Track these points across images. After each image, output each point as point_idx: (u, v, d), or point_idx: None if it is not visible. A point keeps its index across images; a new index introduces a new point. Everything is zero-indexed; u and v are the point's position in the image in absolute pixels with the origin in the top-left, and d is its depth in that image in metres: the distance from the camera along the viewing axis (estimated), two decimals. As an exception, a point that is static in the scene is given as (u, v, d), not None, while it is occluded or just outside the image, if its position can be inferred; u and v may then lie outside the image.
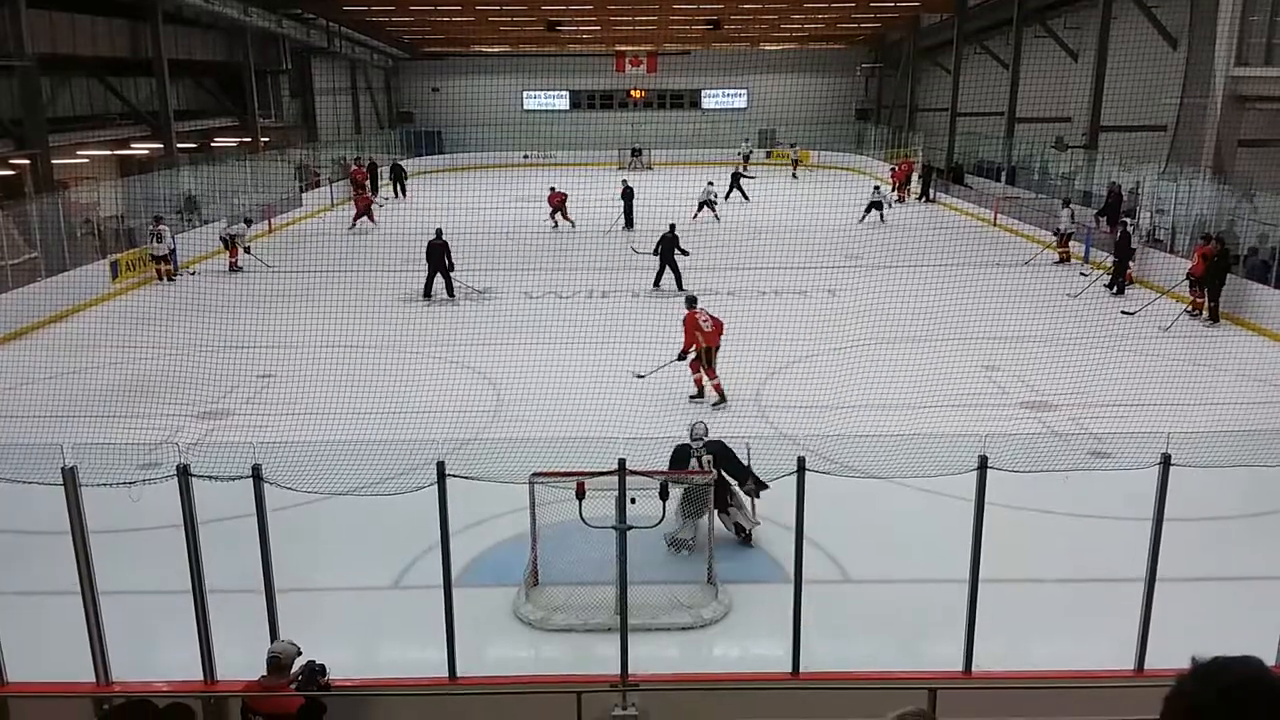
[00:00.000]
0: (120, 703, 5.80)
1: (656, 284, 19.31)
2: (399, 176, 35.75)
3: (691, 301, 13.15)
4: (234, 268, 21.98)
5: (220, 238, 22.70)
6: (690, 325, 12.58)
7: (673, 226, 19.63)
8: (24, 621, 6.85)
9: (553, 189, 26.92)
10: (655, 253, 19.46)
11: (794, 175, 40.52)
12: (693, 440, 8.54)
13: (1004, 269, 20.89)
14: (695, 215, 26.80)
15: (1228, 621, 7.20)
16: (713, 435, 8.68)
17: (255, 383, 13.64)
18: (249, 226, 23.29)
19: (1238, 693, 1.55)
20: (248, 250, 22.20)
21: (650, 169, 41.43)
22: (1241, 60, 19.26)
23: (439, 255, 18.74)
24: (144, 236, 21.40)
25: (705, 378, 12.71)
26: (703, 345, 12.52)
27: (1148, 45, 23.53)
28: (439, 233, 18.85)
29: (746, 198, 31.88)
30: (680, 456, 8.54)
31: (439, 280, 18.89)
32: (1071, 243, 21.95)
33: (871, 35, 45.01)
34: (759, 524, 8.64)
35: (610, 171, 38.27)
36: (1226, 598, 7.88)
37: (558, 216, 26.75)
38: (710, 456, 8.42)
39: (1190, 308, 16.72)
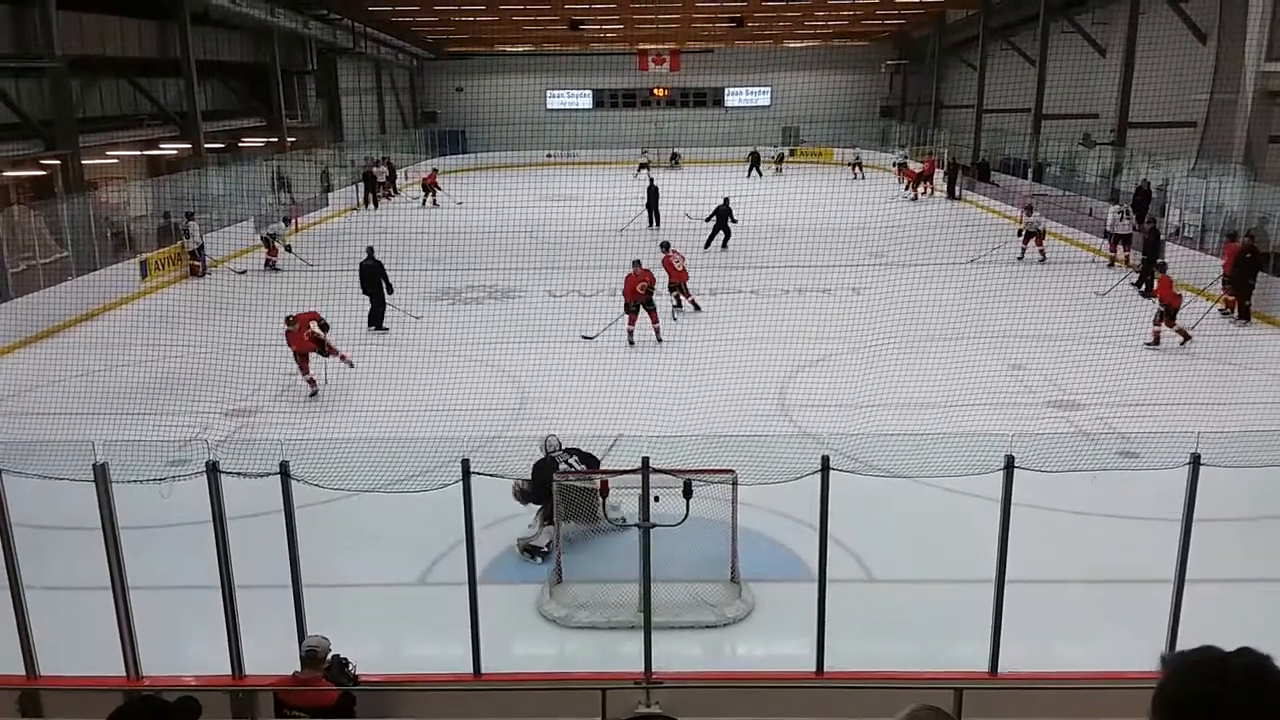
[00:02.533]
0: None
1: (707, 245, 22.51)
2: (371, 185, 32.67)
3: (665, 246, 17.34)
4: (272, 266, 22.05)
5: (261, 237, 22.78)
6: (668, 267, 16.93)
7: (726, 200, 22.97)
8: (56, 616, 6.94)
9: (639, 267, 15.70)
10: (708, 220, 22.94)
11: (778, 171, 40.90)
12: (550, 452, 8.64)
13: (1030, 267, 20.74)
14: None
15: (1258, 623, 7.12)
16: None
17: (282, 380, 13.74)
18: (287, 225, 23.35)
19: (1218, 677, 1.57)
20: (288, 249, 22.23)
21: (679, 169, 41.44)
22: (1272, 55, 19.02)
23: (375, 279, 16.40)
24: (175, 235, 21.72)
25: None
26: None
27: (1177, 40, 23.27)
28: (370, 252, 16.72)
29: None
30: (547, 470, 8.43)
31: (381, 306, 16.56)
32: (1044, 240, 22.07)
33: (896, 32, 44.76)
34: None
35: (634, 171, 38.22)
36: (1257, 599, 7.79)
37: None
38: (574, 460, 8.59)
39: (1223, 306, 16.51)
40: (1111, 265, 20.83)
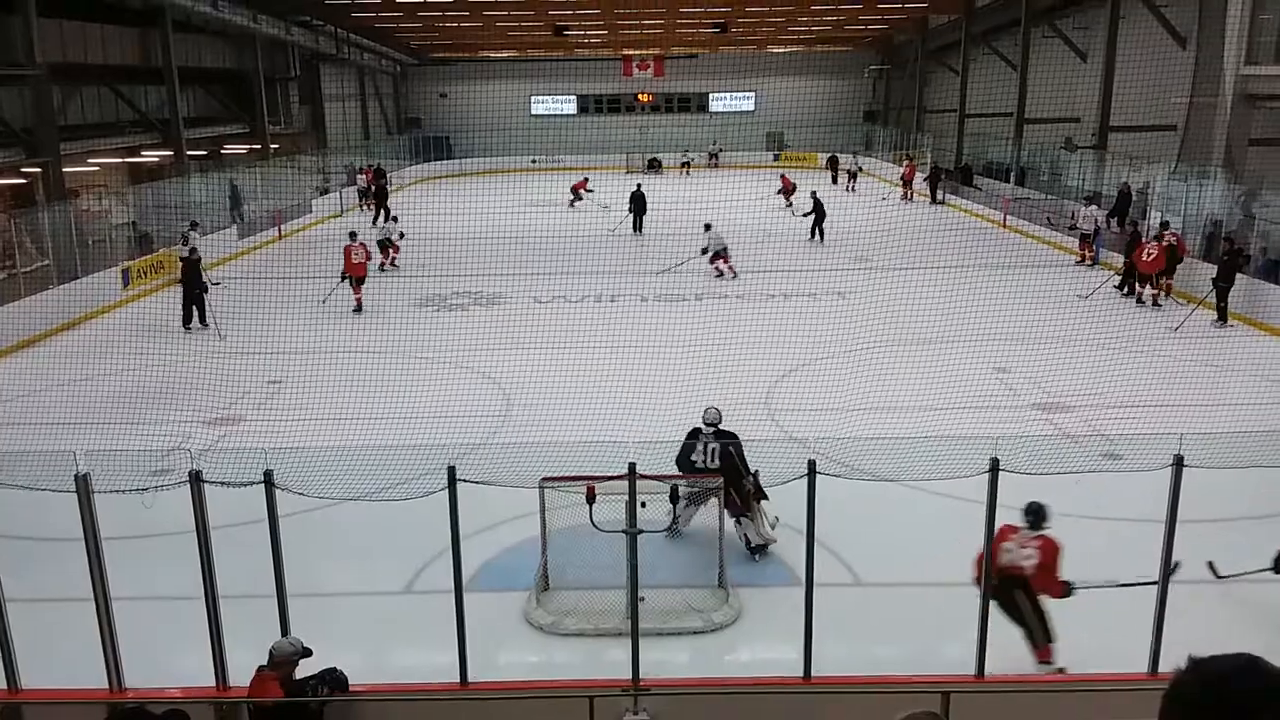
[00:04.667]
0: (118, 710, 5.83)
1: (811, 237, 25.08)
2: (382, 199, 29.93)
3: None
4: (383, 268, 21.64)
5: (376, 241, 22.42)
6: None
7: (814, 193, 25.55)
8: (37, 628, 6.86)
9: (355, 239, 18.78)
10: (806, 215, 25.35)
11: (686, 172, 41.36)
12: (706, 425, 8.60)
13: (1013, 270, 20.84)
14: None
15: (1242, 624, 7.17)
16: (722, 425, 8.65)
17: (266, 388, 13.67)
18: (397, 224, 22.93)
19: (1231, 680, 1.58)
20: (397, 249, 21.92)
21: (660, 173, 41.57)
22: (1251, 59, 19.19)
23: (195, 275, 17.14)
24: (153, 244, 21.54)
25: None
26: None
27: (1157, 45, 23.46)
28: (192, 250, 17.64)
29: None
30: (690, 439, 8.65)
31: (203, 305, 17.15)
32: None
33: (879, 37, 44.98)
34: (774, 540, 8.55)
35: (621, 176, 38.30)
36: (1241, 600, 7.83)
37: None
38: (715, 447, 8.47)
39: (1157, 293, 17.71)
40: (1081, 263, 21.79)
